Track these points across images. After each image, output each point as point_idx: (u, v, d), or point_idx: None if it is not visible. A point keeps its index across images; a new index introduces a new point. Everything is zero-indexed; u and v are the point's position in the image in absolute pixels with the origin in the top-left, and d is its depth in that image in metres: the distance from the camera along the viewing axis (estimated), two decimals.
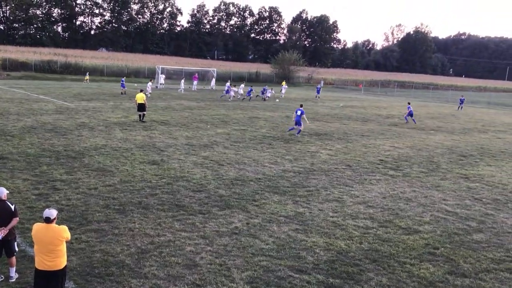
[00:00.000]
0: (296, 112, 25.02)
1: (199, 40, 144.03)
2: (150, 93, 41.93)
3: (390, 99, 64.92)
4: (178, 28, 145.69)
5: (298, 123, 24.88)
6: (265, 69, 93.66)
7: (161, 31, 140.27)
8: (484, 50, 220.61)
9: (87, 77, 59.31)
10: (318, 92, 57.45)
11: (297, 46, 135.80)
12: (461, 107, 53.09)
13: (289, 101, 47.08)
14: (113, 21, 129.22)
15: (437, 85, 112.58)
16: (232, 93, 45.52)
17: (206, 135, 23.09)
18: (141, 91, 27.28)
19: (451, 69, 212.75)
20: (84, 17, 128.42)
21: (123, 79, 47.05)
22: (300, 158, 18.99)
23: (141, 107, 26.25)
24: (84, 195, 12.39)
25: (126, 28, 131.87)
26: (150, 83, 44.33)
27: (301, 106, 25.75)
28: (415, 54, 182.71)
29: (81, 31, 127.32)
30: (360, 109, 43.91)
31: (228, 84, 47.81)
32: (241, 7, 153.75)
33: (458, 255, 10.02)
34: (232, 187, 14.09)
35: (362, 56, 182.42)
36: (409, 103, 37.39)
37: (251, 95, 46.07)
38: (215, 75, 61.01)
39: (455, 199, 14.32)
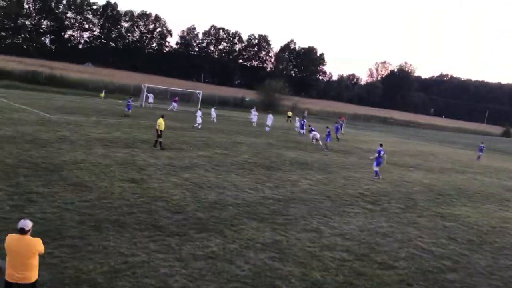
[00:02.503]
0: (379, 153, 24.48)
1: (187, 62, 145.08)
2: (214, 118, 44.10)
3: (371, 133, 65.72)
4: (167, 49, 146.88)
5: (380, 163, 24.59)
6: (250, 95, 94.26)
7: (150, 50, 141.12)
8: (465, 92, 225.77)
9: (103, 94, 58.86)
10: (341, 128, 47.92)
11: (284, 74, 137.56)
12: (480, 157, 44.58)
13: (276, 130, 46.86)
14: (102, 37, 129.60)
15: (417, 123, 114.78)
16: (316, 135, 36.81)
17: (188, 156, 23.01)
18: (162, 116, 25.20)
19: (432, 109, 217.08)
20: (73, 31, 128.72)
21: (129, 99, 40.46)
22: (281, 186, 19.01)
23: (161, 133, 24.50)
24: (60, 209, 12.18)
25: (114, 45, 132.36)
26: (213, 109, 45.40)
27: (381, 145, 25.41)
28: (397, 91, 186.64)
29: (69, 45, 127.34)
30: (342, 141, 44.30)
31: (307, 124, 38.59)
32: (231, 33, 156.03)
33: None
34: (211, 210, 14.00)
35: (347, 90, 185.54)
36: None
37: (330, 139, 35.60)
38: (200, 97, 61.07)
39: (431, 237, 14.44)
